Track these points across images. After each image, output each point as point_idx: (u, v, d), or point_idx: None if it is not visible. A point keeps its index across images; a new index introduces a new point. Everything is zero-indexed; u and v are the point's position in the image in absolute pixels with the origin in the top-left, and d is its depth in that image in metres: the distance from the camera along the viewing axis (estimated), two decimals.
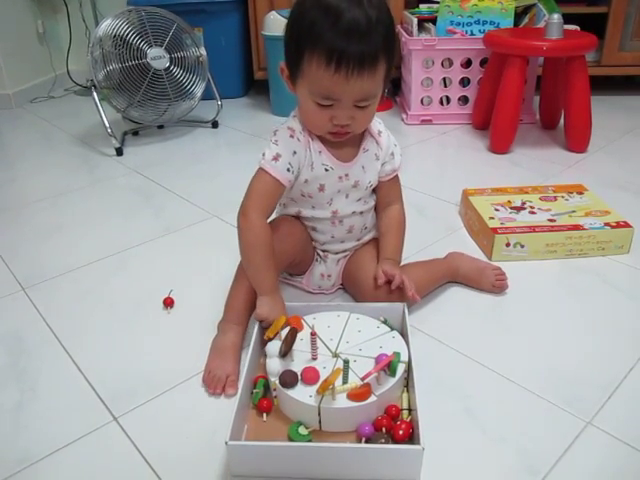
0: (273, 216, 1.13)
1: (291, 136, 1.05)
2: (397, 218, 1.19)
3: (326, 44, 0.91)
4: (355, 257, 1.20)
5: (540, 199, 1.47)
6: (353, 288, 1.19)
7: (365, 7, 0.91)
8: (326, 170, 1.08)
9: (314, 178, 1.08)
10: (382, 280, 1.07)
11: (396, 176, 1.18)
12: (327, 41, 0.90)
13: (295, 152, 1.05)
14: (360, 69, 0.92)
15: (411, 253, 1.35)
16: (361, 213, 1.16)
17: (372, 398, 0.86)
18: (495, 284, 1.21)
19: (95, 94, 2.13)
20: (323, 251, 1.20)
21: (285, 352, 0.91)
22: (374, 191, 1.18)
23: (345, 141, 1.07)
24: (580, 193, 1.50)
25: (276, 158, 1.03)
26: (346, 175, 1.10)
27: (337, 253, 1.20)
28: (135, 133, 2.35)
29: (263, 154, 1.05)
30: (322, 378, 0.88)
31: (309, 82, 0.96)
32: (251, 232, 1.03)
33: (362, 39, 0.90)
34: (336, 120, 0.99)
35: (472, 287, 1.23)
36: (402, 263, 1.22)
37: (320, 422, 0.87)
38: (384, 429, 0.84)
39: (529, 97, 2.25)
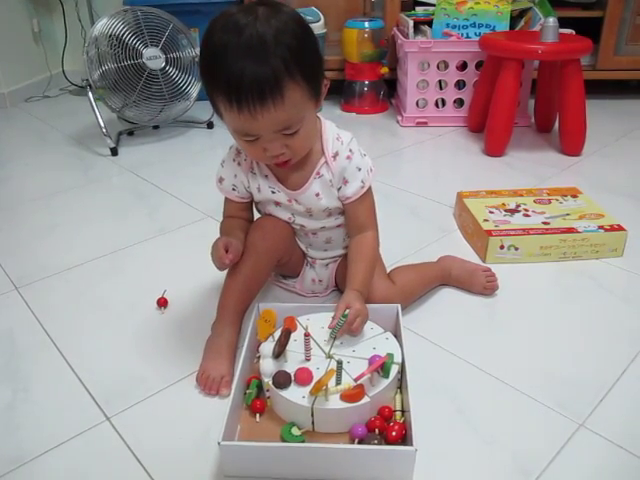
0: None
1: (234, 160, 1.08)
2: (367, 246, 1.07)
3: (221, 85, 0.86)
4: (346, 259, 1.17)
5: (534, 202, 1.48)
6: None
7: (257, 28, 0.83)
8: (272, 192, 1.07)
9: (265, 199, 1.09)
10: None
11: (361, 200, 1.05)
12: (221, 81, 0.85)
13: (236, 175, 1.08)
14: (262, 102, 0.84)
15: (405, 255, 1.35)
16: (338, 226, 1.13)
17: (365, 399, 0.86)
18: (486, 286, 1.21)
19: (90, 94, 2.13)
20: (311, 257, 1.20)
21: (279, 353, 0.91)
22: None
23: (295, 167, 1.02)
24: (574, 196, 1.50)
25: (220, 181, 1.10)
26: (296, 200, 1.07)
27: (324, 259, 1.20)
28: (130, 133, 2.35)
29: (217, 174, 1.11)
30: (315, 379, 0.88)
31: (227, 121, 0.92)
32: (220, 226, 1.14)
33: (256, 67, 0.83)
34: (269, 152, 0.93)
35: (464, 289, 1.24)
36: (396, 265, 1.22)
37: (313, 423, 0.87)
38: (377, 430, 0.84)
39: (524, 100, 2.26)
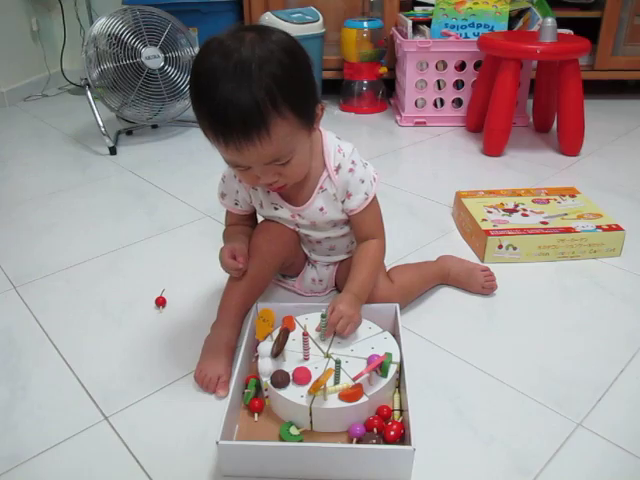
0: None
1: (235, 176, 1.06)
2: (371, 252, 1.06)
3: (206, 118, 0.85)
4: (347, 260, 1.17)
5: (533, 202, 1.48)
6: None
7: (242, 56, 0.81)
8: (275, 209, 1.07)
9: (267, 215, 1.09)
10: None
11: (366, 211, 1.05)
12: (206, 114, 0.85)
13: (237, 191, 1.08)
14: (247, 138, 0.82)
15: (404, 254, 1.35)
16: (343, 235, 1.13)
17: (363, 399, 0.86)
18: (484, 285, 1.21)
19: (89, 93, 2.13)
20: (313, 259, 1.20)
21: (277, 352, 0.91)
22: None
23: (297, 183, 0.99)
24: (572, 196, 1.51)
25: (222, 196, 1.11)
26: (299, 215, 1.06)
27: (326, 262, 1.19)
28: (129, 132, 2.34)
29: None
30: (314, 378, 0.88)
31: (217, 150, 0.90)
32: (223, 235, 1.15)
33: (239, 100, 0.80)
34: (262, 180, 0.92)
35: (462, 289, 1.24)
36: (395, 264, 1.22)
37: (311, 422, 0.87)
38: (375, 430, 0.84)
39: (522, 100, 2.26)
